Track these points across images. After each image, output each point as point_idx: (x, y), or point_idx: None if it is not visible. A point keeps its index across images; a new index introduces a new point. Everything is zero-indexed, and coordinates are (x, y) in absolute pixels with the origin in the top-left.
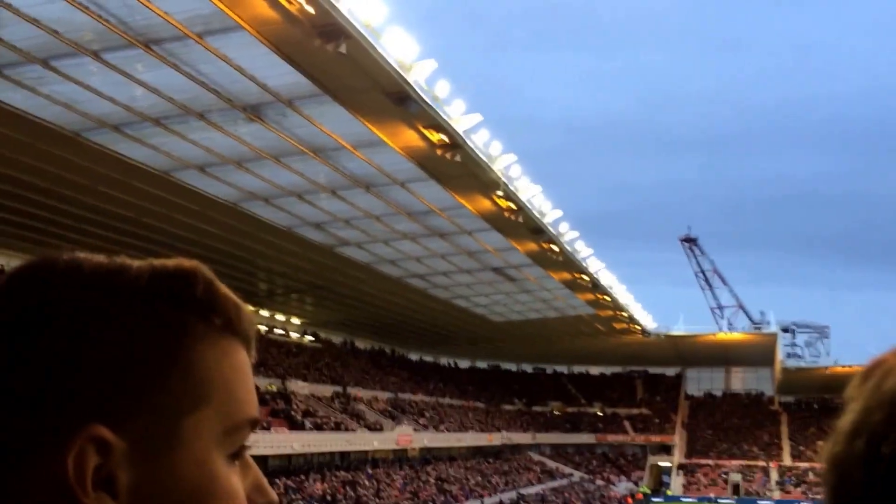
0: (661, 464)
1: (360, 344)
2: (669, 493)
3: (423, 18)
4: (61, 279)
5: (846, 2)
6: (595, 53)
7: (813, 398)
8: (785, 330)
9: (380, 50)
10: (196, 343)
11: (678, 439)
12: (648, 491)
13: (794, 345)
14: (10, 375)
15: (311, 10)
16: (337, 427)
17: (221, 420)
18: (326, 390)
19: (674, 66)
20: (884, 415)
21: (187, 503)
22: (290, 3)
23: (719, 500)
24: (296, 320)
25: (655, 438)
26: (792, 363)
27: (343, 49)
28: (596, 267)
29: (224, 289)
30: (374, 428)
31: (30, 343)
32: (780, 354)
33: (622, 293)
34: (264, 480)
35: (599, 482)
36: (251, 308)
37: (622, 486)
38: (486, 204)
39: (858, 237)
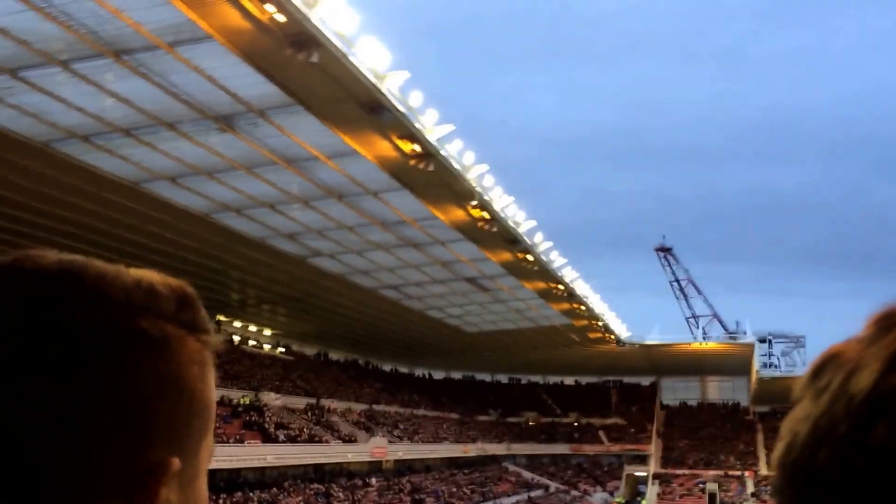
0: (637, 474)
1: (334, 355)
2: (644, 503)
3: (409, 32)
4: (103, 299)
5: (830, 16)
6: (582, 65)
7: (788, 408)
8: (762, 340)
9: (352, 59)
10: (208, 371)
11: (654, 449)
12: (623, 501)
13: (770, 354)
14: (89, 407)
15: (282, 19)
16: (311, 439)
17: (211, 446)
18: (300, 402)
19: (659, 78)
20: (853, 423)
21: None
22: (262, 12)
23: None
24: (268, 332)
25: (631, 448)
26: (767, 373)
27: (315, 58)
28: (571, 276)
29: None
30: (349, 440)
31: (127, 369)
32: (756, 364)
33: (597, 303)
34: None
35: (575, 493)
36: (224, 318)
37: (598, 497)
38: (459, 214)
39: (836, 248)
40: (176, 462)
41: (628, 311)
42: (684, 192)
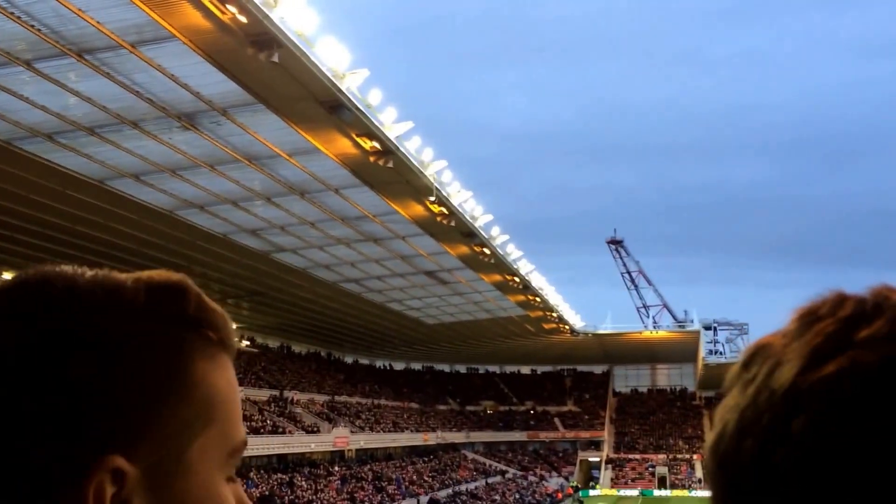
0: (591, 459)
1: (297, 348)
2: (598, 486)
3: (377, 31)
4: (66, 301)
5: (781, 17)
6: (545, 65)
7: None
8: (707, 328)
9: (312, 59)
10: (197, 362)
11: (607, 435)
12: (578, 485)
13: (715, 342)
14: (25, 405)
15: (243, 19)
16: (274, 430)
17: (224, 442)
18: (263, 394)
19: (619, 77)
20: (775, 415)
21: None
22: (223, 12)
23: (644, 492)
24: (233, 325)
25: (585, 435)
26: (713, 359)
27: (276, 58)
28: (526, 269)
29: (211, 301)
30: (311, 430)
31: (46, 372)
32: (702, 351)
33: (552, 294)
34: (244, 496)
35: (532, 478)
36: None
37: (553, 482)
38: (418, 209)
39: (783, 239)
40: (117, 460)
41: (584, 302)
42: (642, 188)
